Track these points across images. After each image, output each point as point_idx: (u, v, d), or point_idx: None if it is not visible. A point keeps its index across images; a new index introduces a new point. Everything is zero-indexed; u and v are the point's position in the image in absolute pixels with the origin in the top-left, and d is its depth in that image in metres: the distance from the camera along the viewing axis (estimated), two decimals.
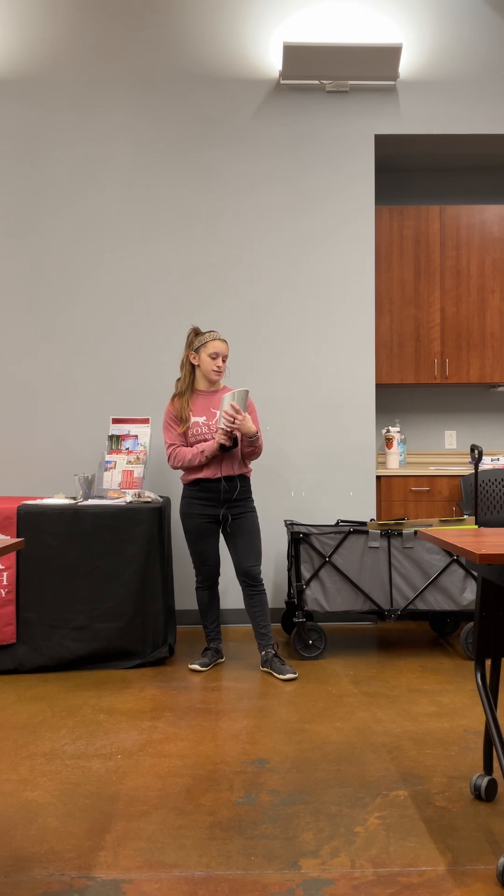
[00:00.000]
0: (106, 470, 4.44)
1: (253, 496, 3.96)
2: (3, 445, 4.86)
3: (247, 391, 3.72)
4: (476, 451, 4.29)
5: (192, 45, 4.88)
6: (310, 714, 3.31)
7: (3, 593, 3.92)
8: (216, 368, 3.86)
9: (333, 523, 4.76)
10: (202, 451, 3.78)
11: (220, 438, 3.71)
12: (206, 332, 3.89)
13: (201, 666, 3.94)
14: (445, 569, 4.12)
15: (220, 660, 4.08)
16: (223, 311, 4.91)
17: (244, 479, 3.91)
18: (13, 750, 2.96)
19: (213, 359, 3.85)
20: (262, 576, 3.95)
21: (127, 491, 4.31)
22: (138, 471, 4.41)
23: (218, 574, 4.04)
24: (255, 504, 4.88)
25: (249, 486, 3.96)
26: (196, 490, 3.88)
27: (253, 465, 4.89)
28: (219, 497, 3.85)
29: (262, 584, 3.92)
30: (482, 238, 5.21)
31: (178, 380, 3.96)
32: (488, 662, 3.90)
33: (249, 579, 3.87)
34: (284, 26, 4.88)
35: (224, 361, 3.89)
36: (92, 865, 2.14)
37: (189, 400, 3.88)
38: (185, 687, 3.69)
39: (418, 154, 5.31)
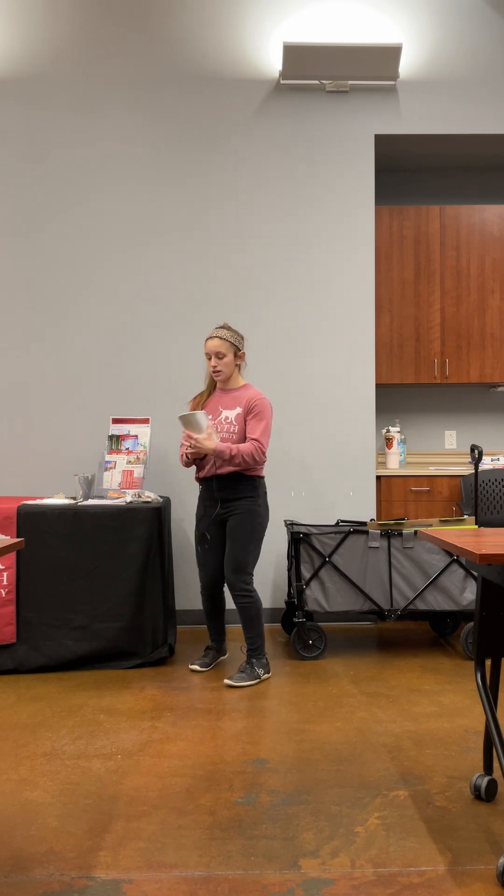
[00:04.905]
0: (106, 470, 4.44)
1: (256, 496, 3.75)
2: (3, 445, 4.86)
3: (194, 413, 3.61)
4: (476, 451, 4.29)
5: (192, 45, 4.88)
6: (310, 714, 3.31)
7: (3, 593, 3.92)
8: (212, 368, 3.79)
9: (333, 523, 4.76)
10: (183, 454, 3.79)
11: (186, 456, 3.75)
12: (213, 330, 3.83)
13: (201, 666, 3.92)
14: (445, 569, 4.12)
15: (223, 657, 4.07)
16: (223, 311, 4.90)
17: (241, 478, 3.75)
18: (13, 750, 2.96)
19: (209, 359, 3.79)
20: (247, 585, 3.73)
21: (127, 491, 4.31)
22: (138, 471, 4.41)
23: (219, 584, 3.91)
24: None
25: (250, 485, 3.75)
26: (201, 489, 3.89)
27: None
28: (212, 496, 3.81)
29: (246, 595, 3.73)
30: (482, 238, 5.21)
31: None
32: (488, 662, 3.90)
33: (228, 587, 3.76)
34: (284, 26, 4.88)
35: (221, 359, 3.76)
36: (92, 865, 2.14)
37: (206, 398, 3.88)
38: (185, 687, 3.69)
39: (418, 154, 5.31)
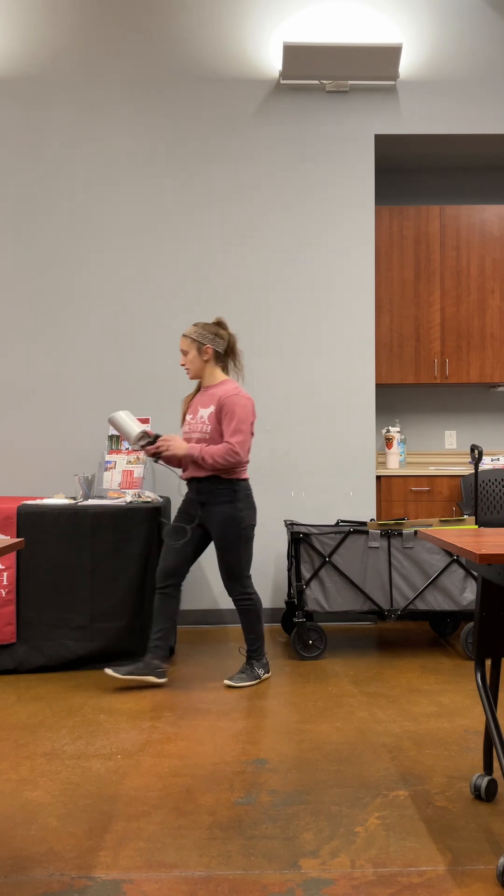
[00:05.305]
0: (106, 470, 4.44)
1: (235, 500, 3.61)
2: (3, 445, 4.86)
3: (114, 414, 3.59)
4: (476, 451, 4.29)
5: (192, 45, 4.88)
6: (310, 714, 3.31)
7: (3, 593, 3.92)
8: (182, 366, 3.74)
9: (333, 523, 4.76)
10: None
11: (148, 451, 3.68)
12: None
13: (114, 670, 3.61)
14: (445, 569, 4.12)
15: (154, 678, 3.64)
16: (223, 311, 4.91)
17: (219, 481, 3.61)
18: (13, 750, 2.96)
19: None
20: (246, 588, 3.67)
21: (127, 491, 4.31)
22: (138, 471, 4.41)
23: (170, 581, 3.68)
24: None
25: (228, 489, 3.61)
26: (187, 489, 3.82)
27: (253, 464, 4.89)
28: (190, 497, 3.73)
29: (246, 598, 3.68)
30: (482, 238, 5.21)
31: None
32: (488, 662, 3.90)
33: (228, 593, 3.71)
34: (284, 26, 4.88)
35: (185, 356, 3.68)
36: (92, 865, 2.14)
37: (192, 397, 3.80)
38: (185, 687, 3.69)
39: (418, 154, 5.31)
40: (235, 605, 3.72)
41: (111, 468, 4.43)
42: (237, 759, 2.85)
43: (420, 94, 4.94)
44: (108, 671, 3.61)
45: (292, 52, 4.63)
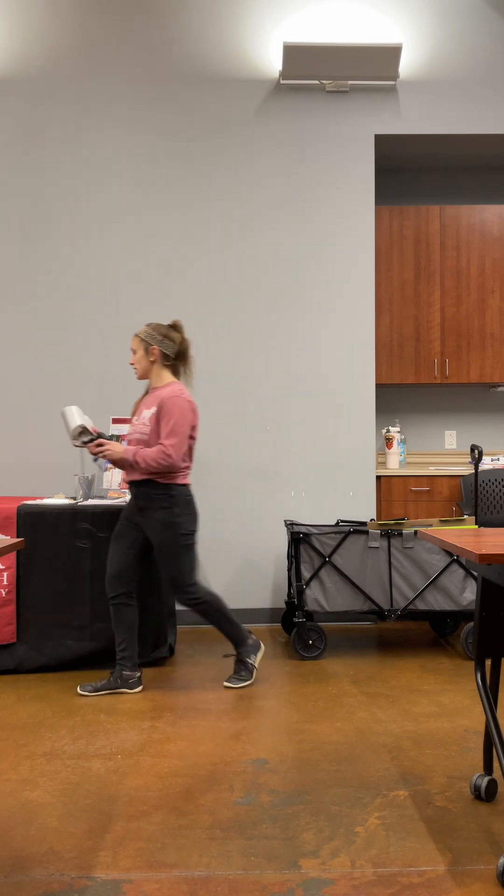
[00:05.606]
0: (106, 470, 4.44)
1: (172, 506, 3.53)
2: (3, 445, 4.86)
3: (64, 408, 3.59)
4: (476, 451, 4.29)
5: (192, 45, 4.88)
6: (310, 714, 3.31)
7: (3, 593, 3.92)
8: (131, 364, 3.73)
9: (333, 523, 4.76)
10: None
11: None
12: None
13: (86, 690, 3.60)
14: (445, 569, 4.12)
15: (127, 690, 3.63)
16: (223, 311, 4.91)
17: (154, 486, 3.52)
18: (13, 750, 2.96)
19: None
20: (192, 594, 3.56)
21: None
22: None
23: (119, 590, 3.62)
24: (253, 504, 4.87)
25: (164, 494, 3.52)
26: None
27: (253, 463, 4.89)
28: (130, 502, 3.65)
29: (196, 602, 3.56)
30: (482, 238, 5.21)
31: None
32: (488, 662, 3.90)
33: (178, 601, 3.60)
34: (284, 26, 4.88)
35: (134, 354, 3.64)
36: (92, 865, 2.14)
37: (142, 397, 3.74)
38: (185, 687, 3.69)
39: (418, 154, 5.31)
40: (192, 610, 3.61)
41: (111, 468, 4.43)
42: (237, 759, 2.85)
43: (420, 94, 4.94)
44: (79, 690, 3.60)
45: (292, 52, 4.63)
